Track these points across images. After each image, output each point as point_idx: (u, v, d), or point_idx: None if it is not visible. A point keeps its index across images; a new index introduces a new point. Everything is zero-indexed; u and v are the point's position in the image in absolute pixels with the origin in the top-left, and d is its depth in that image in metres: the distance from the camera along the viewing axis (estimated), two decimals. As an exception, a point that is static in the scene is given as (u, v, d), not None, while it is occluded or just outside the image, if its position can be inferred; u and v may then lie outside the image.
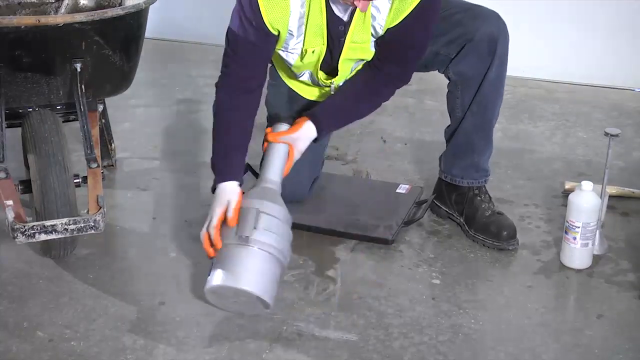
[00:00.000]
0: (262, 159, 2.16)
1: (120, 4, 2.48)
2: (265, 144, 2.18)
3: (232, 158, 2.12)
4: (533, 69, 3.67)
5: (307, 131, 2.18)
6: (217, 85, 2.17)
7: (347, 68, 2.23)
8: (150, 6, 2.39)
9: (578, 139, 3.10)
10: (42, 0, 2.67)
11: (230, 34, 2.10)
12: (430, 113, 3.29)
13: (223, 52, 2.14)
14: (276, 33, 2.09)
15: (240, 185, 2.07)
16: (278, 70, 2.39)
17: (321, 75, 2.25)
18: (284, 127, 2.18)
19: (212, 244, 1.98)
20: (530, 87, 3.60)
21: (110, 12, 2.26)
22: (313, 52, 2.16)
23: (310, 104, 2.34)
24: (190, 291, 2.14)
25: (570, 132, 3.16)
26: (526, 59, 3.62)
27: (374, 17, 2.10)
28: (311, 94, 2.38)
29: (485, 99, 2.31)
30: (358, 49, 2.17)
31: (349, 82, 2.26)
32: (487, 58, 2.25)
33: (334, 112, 2.24)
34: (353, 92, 2.25)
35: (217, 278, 1.90)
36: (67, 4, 2.62)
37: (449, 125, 2.43)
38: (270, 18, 2.04)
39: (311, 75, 2.28)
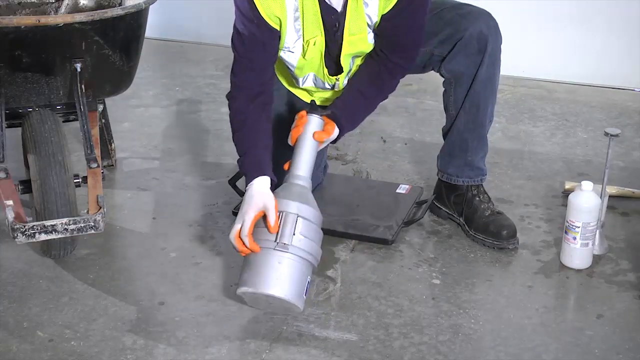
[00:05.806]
0: (293, 152, 2.09)
1: (120, 4, 2.48)
2: (293, 137, 2.10)
3: (256, 155, 2.08)
4: (533, 69, 3.66)
5: (333, 133, 2.15)
6: (229, 96, 2.16)
7: (348, 63, 2.22)
8: (150, 6, 2.39)
9: (578, 139, 3.09)
10: (42, 0, 2.67)
11: (234, 39, 2.12)
12: (430, 113, 3.29)
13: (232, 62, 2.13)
14: (277, 25, 2.08)
15: (272, 183, 2.04)
16: (280, 79, 2.35)
17: (326, 72, 2.23)
18: (316, 118, 2.11)
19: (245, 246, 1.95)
20: (530, 87, 3.60)
21: (110, 12, 2.26)
22: (314, 44, 2.14)
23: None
24: (190, 291, 2.14)
25: (570, 132, 3.16)
26: (526, 59, 3.62)
27: (366, 4, 2.09)
28: (316, 99, 2.34)
29: (478, 98, 2.30)
30: (357, 42, 2.16)
31: (355, 79, 2.24)
32: (477, 56, 2.24)
33: (350, 112, 2.21)
34: (362, 89, 2.22)
35: (254, 283, 1.90)
36: (67, 4, 2.61)
37: (445, 124, 2.43)
38: (265, 7, 2.03)
39: (315, 78, 2.26)
